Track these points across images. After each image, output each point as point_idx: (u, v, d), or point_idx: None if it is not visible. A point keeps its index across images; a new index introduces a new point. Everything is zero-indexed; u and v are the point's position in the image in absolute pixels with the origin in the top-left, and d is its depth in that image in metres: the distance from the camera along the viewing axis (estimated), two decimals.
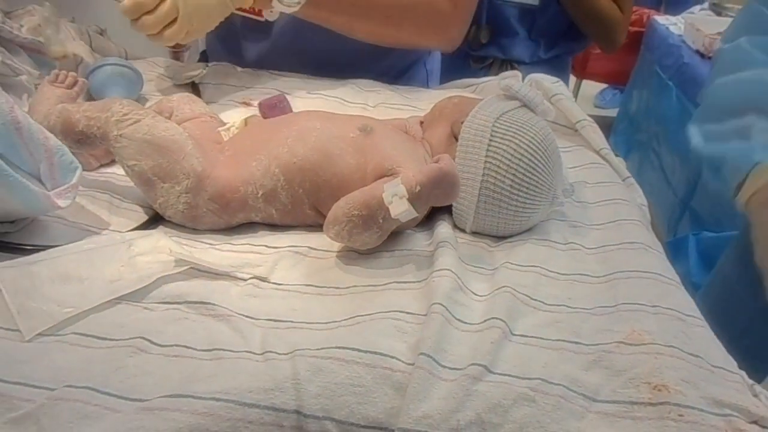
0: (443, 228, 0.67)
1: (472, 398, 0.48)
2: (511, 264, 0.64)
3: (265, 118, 0.76)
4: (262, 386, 0.47)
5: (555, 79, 1.00)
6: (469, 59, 1.54)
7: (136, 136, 0.64)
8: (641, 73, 2.47)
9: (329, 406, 0.48)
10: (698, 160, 0.91)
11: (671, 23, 2.34)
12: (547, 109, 0.72)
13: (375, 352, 0.50)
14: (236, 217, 0.67)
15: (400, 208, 0.60)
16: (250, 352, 0.51)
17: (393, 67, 1.13)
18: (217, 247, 0.65)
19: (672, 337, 0.55)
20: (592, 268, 0.65)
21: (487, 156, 0.66)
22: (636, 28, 2.62)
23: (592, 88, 3.52)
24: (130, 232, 0.65)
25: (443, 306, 0.55)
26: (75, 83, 0.77)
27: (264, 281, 0.61)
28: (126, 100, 0.67)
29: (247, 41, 1.08)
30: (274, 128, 0.70)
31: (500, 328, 0.54)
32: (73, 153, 0.65)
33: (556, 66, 1.59)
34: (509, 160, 0.66)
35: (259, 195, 0.66)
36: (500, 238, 0.70)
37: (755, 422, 0.49)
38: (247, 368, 0.49)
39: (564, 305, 0.60)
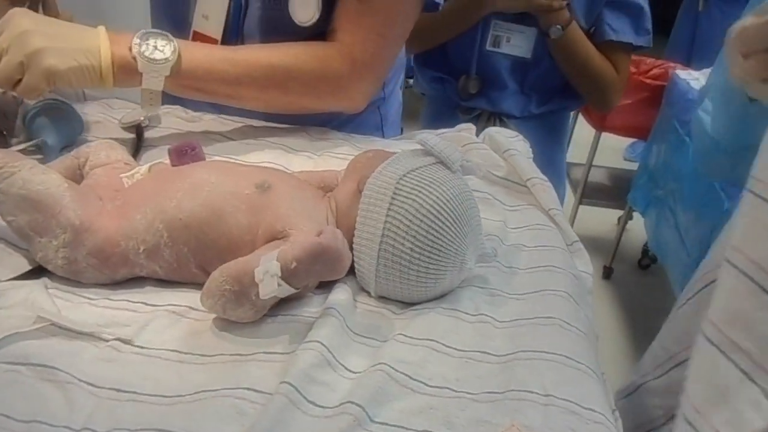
0: (339, 292, 0.61)
1: None
2: (404, 336, 0.58)
3: (173, 165, 0.73)
4: None
5: (513, 133, 0.95)
6: (458, 110, 1.49)
7: (11, 191, 0.61)
8: (661, 128, 2.37)
9: None
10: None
11: (693, 78, 2.25)
12: (469, 167, 0.67)
13: None
14: (119, 272, 0.63)
15: (269, 288, 0.54)
16: (69, 428, 0.46)
17: (338, 113, 1.03)
18: (93, 302, 0.61)
19: None
20: (496, 345, 0.59)
21: (387, 216, 0.61)
22: (659, 83, 2.53)
23: (622, 141, 3.41)
24: (5, 282, 0.62)
25: (292, 386, 0.49)
26: None
27: (127, 344, 0.56)
28: (2, 153, 0.64)
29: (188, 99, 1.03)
30: (170, 179, 0.67)
31: (353, 415, 0.48)
32: None
33: (550, 122, 1.53)
34: (410, 221, 0.60)
35: (141, 251, 0.62)
36: (408, 304, 0.64)
37: None
38: None
39: (448, 387, 0.53)
